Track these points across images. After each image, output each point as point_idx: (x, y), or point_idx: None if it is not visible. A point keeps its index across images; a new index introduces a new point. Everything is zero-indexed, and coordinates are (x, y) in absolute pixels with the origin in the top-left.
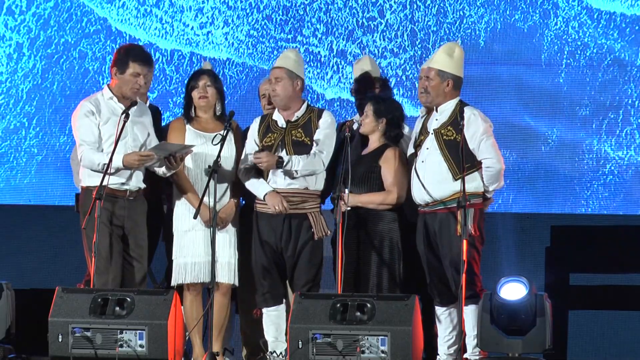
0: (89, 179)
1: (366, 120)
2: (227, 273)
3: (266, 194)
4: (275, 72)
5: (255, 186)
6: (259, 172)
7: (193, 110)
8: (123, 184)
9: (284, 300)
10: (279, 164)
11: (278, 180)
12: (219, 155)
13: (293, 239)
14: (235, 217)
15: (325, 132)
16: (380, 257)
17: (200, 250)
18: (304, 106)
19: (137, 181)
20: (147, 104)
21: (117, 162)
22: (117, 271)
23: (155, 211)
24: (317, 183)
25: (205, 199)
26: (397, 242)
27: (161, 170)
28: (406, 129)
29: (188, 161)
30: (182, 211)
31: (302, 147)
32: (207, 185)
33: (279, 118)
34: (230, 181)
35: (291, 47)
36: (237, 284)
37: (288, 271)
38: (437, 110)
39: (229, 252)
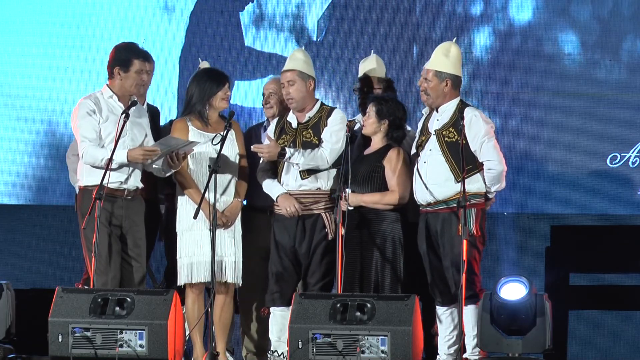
0: (87, 178)
1: (369, 121)
2: (234, 272)
3: (279, 196)
4: (287, 76)
5: (270, 188)
6: (275, 174)
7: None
8: (121, 183)
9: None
10: (281, 155)
11: (290, 182)
12: (219, 155)
13: (307, 239)
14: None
15: (332, 129)
16: (383, 256)
17: (206, 249)
18: (317, 106)
19: (135, 181)
20: (145, 104)
21: (122, 157)
22: (116, 271)
23: (152, 211)
24: (329, 183)
25: (215, 198)
26: (400, 241)
27: (158, 169)
28: (407, 129)
29: (190, 161)
30: (186, 211)
31: (312, 148)
32: (207, 185)
33: (292, 119)
34: (233, 180)
35: (298, 48)
36: (240, 283)
37: (302, 269)
38: (437, 111)
39: (235, 252)
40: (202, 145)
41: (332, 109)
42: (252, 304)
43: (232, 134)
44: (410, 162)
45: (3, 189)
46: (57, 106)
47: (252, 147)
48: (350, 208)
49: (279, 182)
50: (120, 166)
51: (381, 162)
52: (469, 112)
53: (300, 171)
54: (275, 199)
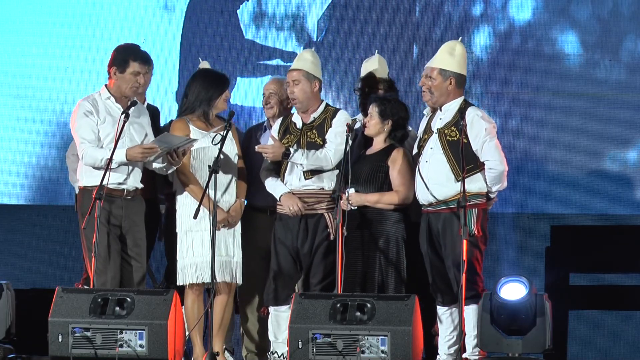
0: (87, 178)
1: (371, 121)
2: (235, 272)
3: (282, 195)
4: (292, 75)
5: (273, 187)
6: (278, 173)
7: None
8: (120, 183)
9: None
10: (285, 155)
11: (293, 181)
12: (219, 155)
13: (309, 239)
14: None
15: (336, 130)
16: (387, 256)
17: (209, 250)
18: (321, 107)
19: (134, 181)
20: (145, 104)
21: (121, 156)
22: (115, 271)
23: (152, 211)
24: (333, 183)
25: (214, 198)
26: (403, 241)
27: (159, 167)
28: (408, 129)
29: (192, 160)
30: (189, 211)
31: (316, 149)
32: (207, 185)
33: (297, 120)
34: (233, 180)
35: (308, 49)
36: (241, 282)
37: (304, 270)
38: (441, 110)
39: (237, 252)
40: (202, 144)
41: (337, 110)
42: (252, 304)
43: (230, 134)
44: (413, 162)
45: (3, 189)
46: (58, 106)
47: (256, 147)
48: (354, 208)
49: (282, 182)
50: (120, 165)
51: (385, 162)
52: (471, 112)
53: (303, 172)
54: (278, 198)
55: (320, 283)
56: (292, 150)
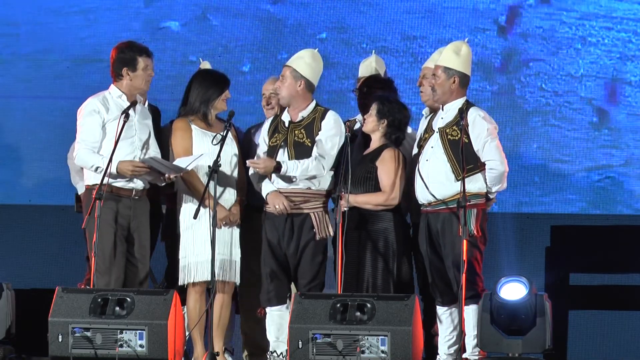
0: (93, 179)
1: (369, 118)
2: (235, 272)
3: (268, 193)
4: (283, 70)
5: (260, 185)
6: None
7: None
8: (128, 181)
9: (288, 301)
10: (277, 169)
11: (280, 180)
12: (218, 155)
13: (295, 239)
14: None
15: (327, 134)
16: (375, 256)
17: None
18: (311, 106)
19: (142, 180)
20: (146, 104)
21: (112, 167)
22: (119, 272)
23: (154, 211)
24: (321, 183)
25: (215, 197)
26: (393, 241)
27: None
28: (409, 131)
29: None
30: (190, 210)
31: (303, 148)
32: (207, 185)
33: (286, 118)
34: (233, 180)
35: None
36: (239, 282)
37: (292, 270)
38: (443, 109)
39: (236, 251)
40: (204, 147)
41: (326, 110)
42: (252, 304)
43: (230, 134)
44: (409, 163)
45: (3, 189)
46: (58, 106)
47: (247, 161)
48: (345, 208)
49: (270, 180)
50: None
51: (375, 163)
52: (472, 112)
53: None
54: (265, 197)
55: (309, 284)
56: (283, 164)
